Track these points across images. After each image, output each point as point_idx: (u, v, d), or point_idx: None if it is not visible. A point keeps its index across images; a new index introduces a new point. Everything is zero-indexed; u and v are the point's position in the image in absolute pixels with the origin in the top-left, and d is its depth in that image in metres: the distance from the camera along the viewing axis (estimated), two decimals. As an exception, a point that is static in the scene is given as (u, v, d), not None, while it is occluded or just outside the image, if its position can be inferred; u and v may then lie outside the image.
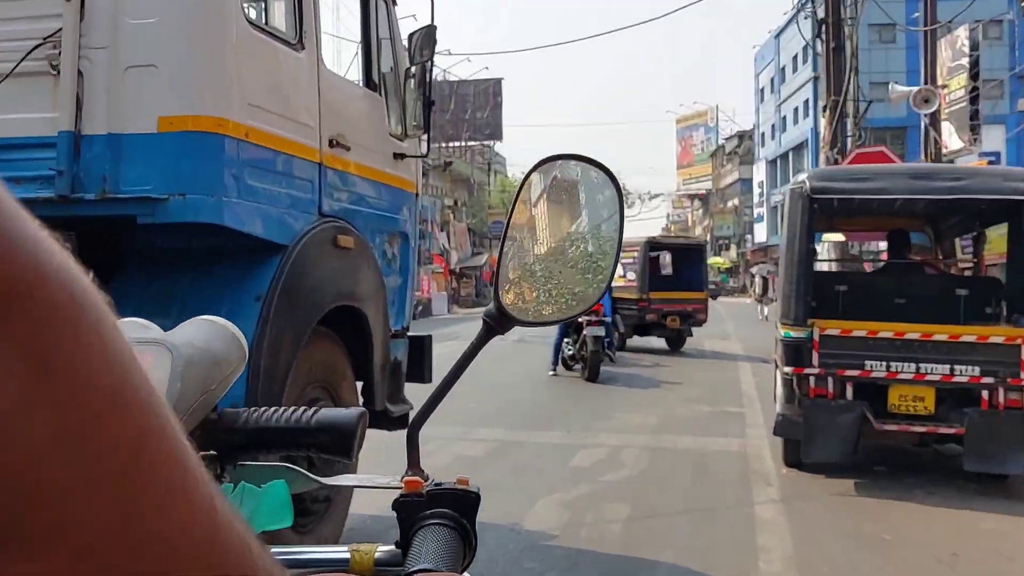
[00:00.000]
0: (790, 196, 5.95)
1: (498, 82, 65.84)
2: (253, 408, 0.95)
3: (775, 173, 58.90)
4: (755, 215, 62.95)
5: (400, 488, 0.82)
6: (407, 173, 4.82)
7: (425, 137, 4.78)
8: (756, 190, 63.14)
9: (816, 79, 50.83)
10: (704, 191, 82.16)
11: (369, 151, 4.33)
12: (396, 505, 0.81)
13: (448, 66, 58.10)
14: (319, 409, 0.93)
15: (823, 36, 14.78)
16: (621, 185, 1.02)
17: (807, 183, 5.72)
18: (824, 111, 14.35)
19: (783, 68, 57.89)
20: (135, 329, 0.90)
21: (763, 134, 63.55)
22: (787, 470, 6.31)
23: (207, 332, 0.92)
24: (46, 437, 0.27)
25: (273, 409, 0.94)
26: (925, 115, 18.80)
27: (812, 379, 5.77)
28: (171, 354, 0.84)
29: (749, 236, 64.33)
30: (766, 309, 28.42)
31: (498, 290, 0.92)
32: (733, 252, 67.79)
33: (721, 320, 26.91)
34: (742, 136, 69.75)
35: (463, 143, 62.18)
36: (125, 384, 0.30)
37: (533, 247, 1.00)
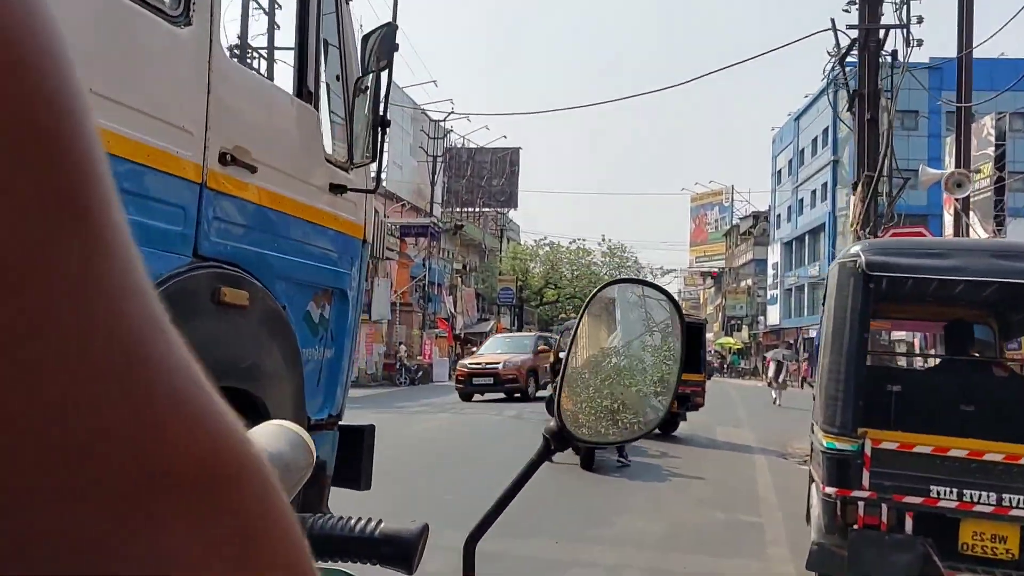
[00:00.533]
0: (839, 274, 4.80)
1: (516, 151, 65.86)
2: (319, 515, 0.95)
3: (790, 255, 58.01)
4: (769, 296, 61.85)
5: None
6: (350, 213, 3.70)
7: (375, 167, 3.67)
8: (770, 271, 62.18)
9: (836, 163, 50.28)
10: (717, 270, 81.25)
11: (290, 178, 3.22)
12: None
13: (466, 133, 58.10)
14: (381, 521, 0.94)
15: (854, 110, 13.80)
16: (683, 311, 1.04)
17: (862, 257, 4.58)
18: (855, 188, 13.28)
19: (802, 151, 57.48)
20: None
21: (779, 216, 62.92)
22: (823, 616, 5.01)
23: (277, 438, 0.87)
24: None
25: (338, 517, 0.95)
26: (958, 200, 17.82)
27: (861, 505, 4.53)
28: None
29: (762, 318, 63.09)
30: (780, 395, 27.35)
31: (560, 408, 0.97)
32: (745, 333, 66.41)
33: (733, 405, 25.51)
34: (757, 217, 69.14)
35: (477, 209, 61.79)
36: (300, 560, 0.33)
37: (595, 367, 1.04)
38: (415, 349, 38.34)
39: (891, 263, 4.59)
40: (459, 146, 59.27)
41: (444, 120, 48.80)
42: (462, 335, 48.61)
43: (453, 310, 46.97)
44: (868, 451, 4.53)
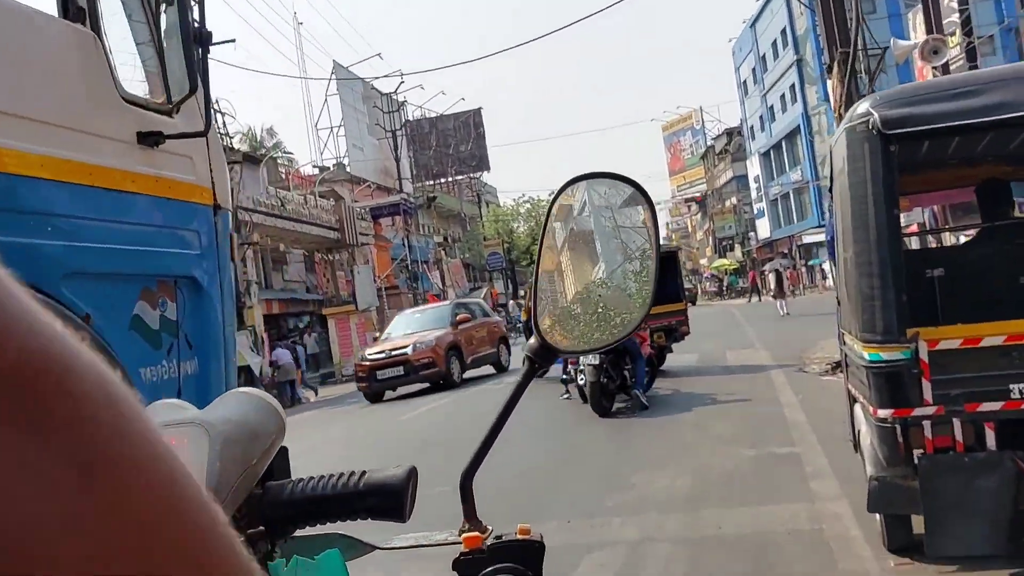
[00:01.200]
0: (848, 142, 3.80)
1: (477, 112, 64.34)
2: (299, 479, 0.89)
3: (770, 165, 56.94)
4: (756, 211, 60.90)
5: (459, 544, 0.86)
6: (186, 172, 2.69)
7: (202, 96, 2.64)
8: (753, 185, 61.16)
9: (800, 61, 48.98)
10: (700, 194, 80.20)
11: (60, 129, 2.21)
12: (457, 564, 0.84)
13: (423, 102, 56.62)
14: (365, 473, 0.88)
15: (814, -12, 12.70)
16: (652, 199, 1.05)
17: (875, 114, 3.58)
18: (829, 71, 12.25)
19: (763, 56, 56.15)
20: (170, 410, 0.85)
21: (752, 127, 61.72)
22: (897, 562, 4.10)
23: (243, 405, 0.84)
24: (94, 557, 0.25)
25: (319, 477, 0.88)
26: (936, 69, 16.80)
27: (927, 425, 3.59)
28: (208, 434, 0.78)
29: (752, 233, 62.20)
30: (785, 305, 27.14)
31: (537, 323, 0.94)
32: (739, 252, 65.57)
33: (739, 326, 24.69)
34: (731, 133, 67.96)
35: (450, 179, 60.50)
36: (174, 486, 0.28)
37: (568, 275, 1.05)
38: (410, 330, 37.40)
39: (915, 115, 3.58)
40: (419, 117, 57.86)
41: (395, 92, 47.40)
42: (456, 307, 47.65)
43: (441, 284, 45.96)
44: (924, 356, 3.58)
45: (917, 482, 3.71)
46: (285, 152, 45.24)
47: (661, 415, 9.92)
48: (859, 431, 4.45)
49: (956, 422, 3.56)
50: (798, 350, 14.87)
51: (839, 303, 4.73)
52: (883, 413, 3.69)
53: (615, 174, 1.03)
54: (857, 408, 4.47)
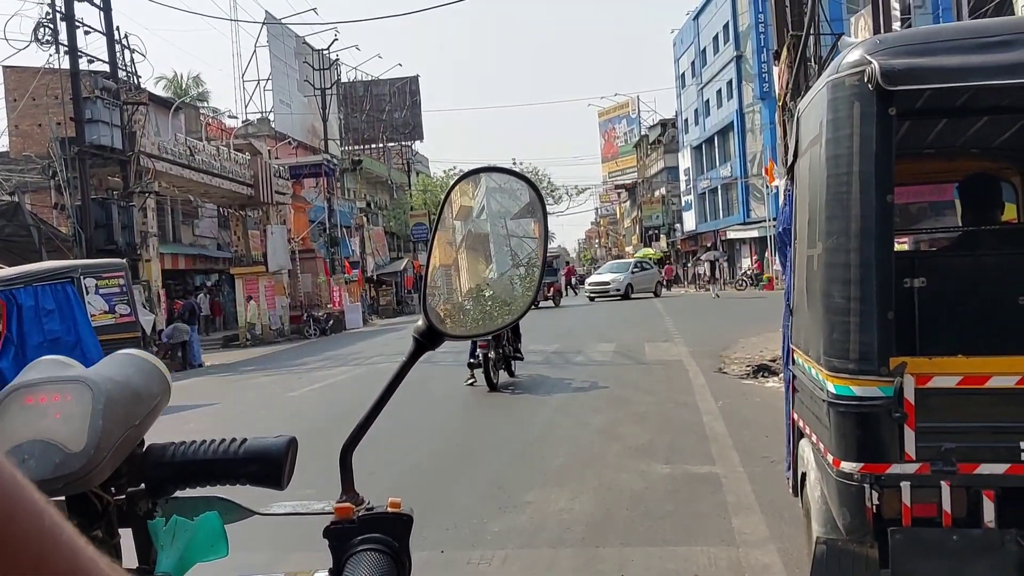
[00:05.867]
0: (830, 101, 2.82)
1: (414, 79, 62.55)
2: (181, 441, 0.91)
3: (701, 159, 56.78)
4: (683, 203, 60.81)
5: (333, 514, 0.86)
6: None
7: None
8: (683, 177, 61.01)
9: (739, 58, 48.69)
10: (631, 182, 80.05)
11: None
12: (327, 532, 0.85)
13: (358, 64, 54.56)
14: (246, 440, 0.89)
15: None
16: (542, 193, 1.10)
17: (874, 64, 2.61)
18: (776, 57, 11.43)
19: (703, 50, 55.82)
20: (54, 367, 0.87)
21: (686, 120, 61.54)
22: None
23: (127, 366, 0.85)
24: None
25: (201, 441, 0.90)
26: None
27: (906, 487, 2.68)
28: (91, 391, 0.80)
29: (679, 225, 62.19)
30: (716, 289, 28.53)
31: (426, 305, 0.96)
32: (664, 242, 65.60)
33: (658, 316, 24.11)
34: (665, 124, 67.77)
35: (381, 145, 58.61)
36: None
37: (463, 272, 1.11)
38: (323, 297, 35.85)
39: (929, 67, 2.62)
40: (353, 79, 55.81)
41: (328, 49, 45.36)
42: (375, 277, 46.13)
43: (361, 251, 44.36)
44: (910, 396, 2.66)
45: (876, 549, 2.82)
46: (200, 101, 42.75)
47: (567, 415, 9.00)
48: (804, 474, 3.54)
49: (945, 486, 2.65)
50: (716, 347, 14.25)
51: (791, 312, 3.80)
52: (848, 467, 2.75)
53: (509, 169, 1.10)
54: (804, 445, 3.55)
